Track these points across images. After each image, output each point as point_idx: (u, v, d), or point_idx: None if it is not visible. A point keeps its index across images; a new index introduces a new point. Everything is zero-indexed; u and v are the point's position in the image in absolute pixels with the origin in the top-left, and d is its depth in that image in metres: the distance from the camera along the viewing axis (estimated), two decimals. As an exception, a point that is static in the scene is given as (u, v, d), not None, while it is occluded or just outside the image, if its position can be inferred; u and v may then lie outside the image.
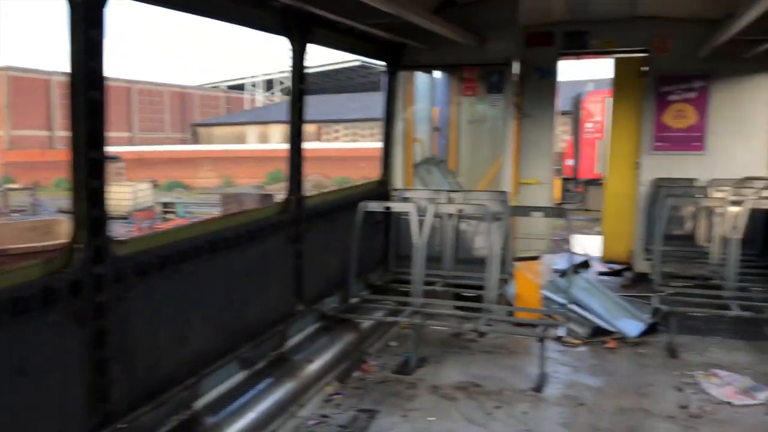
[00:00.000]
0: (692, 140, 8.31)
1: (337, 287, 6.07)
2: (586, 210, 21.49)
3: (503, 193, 6.71)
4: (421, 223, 6.10)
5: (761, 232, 7.84)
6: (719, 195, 7.58)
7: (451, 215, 6.75)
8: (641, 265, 8.53)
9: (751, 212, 6.70)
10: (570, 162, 23.26)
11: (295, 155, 5.06)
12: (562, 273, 7.84)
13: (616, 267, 9.22)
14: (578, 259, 9.56)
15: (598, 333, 6.38)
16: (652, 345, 6.20)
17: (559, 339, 5.87)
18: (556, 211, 5.69)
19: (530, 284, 6.66)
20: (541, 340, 5.34)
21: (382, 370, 5.70)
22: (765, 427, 4.56)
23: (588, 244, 12.05)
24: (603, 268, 9.36)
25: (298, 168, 5.10)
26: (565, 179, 23.25)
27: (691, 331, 6.55)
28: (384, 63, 7.05)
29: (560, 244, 10.24)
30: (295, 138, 5.05)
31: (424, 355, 5.94)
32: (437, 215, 6.71)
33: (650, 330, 6.41)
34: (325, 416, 4.84)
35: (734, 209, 6.43)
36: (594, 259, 9.69)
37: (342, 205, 6.11)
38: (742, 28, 5.59)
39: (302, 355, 5.16)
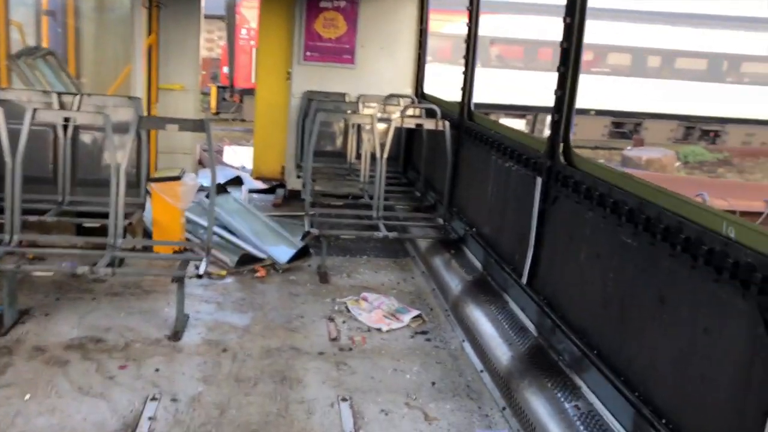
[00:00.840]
0: (343, 52, 8.04)
1: None
2: (243, 120, 20.89)
3: (135, 100, 5.50)
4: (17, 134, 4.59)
5: (403, 150, 8.09)
6: (368, 111, 7.49)
7: (65, 125, 5.32)
8: (294, 182, 8.18)
9: (395, 130, 6.68)
10: (226, 69, 22.24)
11: None
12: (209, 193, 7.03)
13: (270, 184, 8.76)
14: (230, 175, 8.87)
15: (247, 261, 5.77)
16: (304, 270, 5.84)
17: (200, 277, 5.06)
18: (193, 124, 4.75)
19: (170, 209, 5.68)
20: (178, 279, 4.47)
21: (-40, 334, 4.24)
22: (410, 350, 4.49)
23: (244, 157, 11.41)
24: (256, 185, 8.81)
25: None
26: (221, 87, 22.18)
27: (341, 252, 6.39)
28: None
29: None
30: None
31: (28, 307, 4.62)
32: (44, 125, 5.23)
33: (302, 254, 6.04)
34: None
35: (381, 127, 6.27)
36: (247, 174, 9.09)
37: None
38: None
39: None
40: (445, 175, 6.09)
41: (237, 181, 8.64)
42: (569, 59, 3.91)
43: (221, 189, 7.22)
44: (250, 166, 9.26)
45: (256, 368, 4.09)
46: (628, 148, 19.38)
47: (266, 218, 6.63)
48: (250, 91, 19.08)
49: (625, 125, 23.70)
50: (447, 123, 6.03)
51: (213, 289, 5.29)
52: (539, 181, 4.13)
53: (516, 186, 4.60)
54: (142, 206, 5.60)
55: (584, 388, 3.38)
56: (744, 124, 24.19)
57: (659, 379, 2.91)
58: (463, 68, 6.10)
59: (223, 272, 5.58)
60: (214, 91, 22.20)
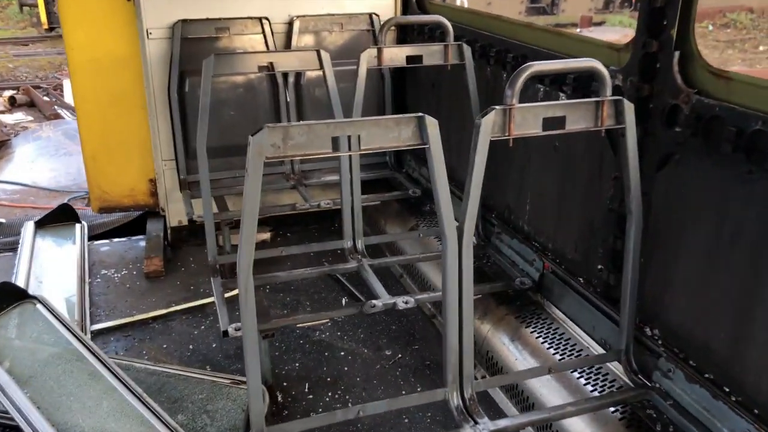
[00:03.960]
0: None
1: None
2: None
3: None
4: None
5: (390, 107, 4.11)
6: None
7: None
8: (181, 211, 4.00)
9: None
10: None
11: None
12: None
13: (130, 215, 4.48)
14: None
15: None
16: None
17: None
18: None
19: None
20: None
21: None
22: None
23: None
24: (102, 220, 4.53)
25: None
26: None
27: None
28: None
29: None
30: None
31: None
32: None
33: None
34: None
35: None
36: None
37: None
38: None
39: None
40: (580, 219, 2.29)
41: (65, 215, 4.31)
42: None
43: (17, 295, 2.96)
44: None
45: None
46: (577, 30, 15.92)
47: (139, 404, 2.50)
48: None
49: (542, -2, 20.33)
50: (629, 106, 2.09)
51: None
52: None
53: None
54: None
55: None
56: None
57: None
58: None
59: None
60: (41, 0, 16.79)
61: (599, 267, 2.54)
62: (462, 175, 2.06)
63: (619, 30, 15.36)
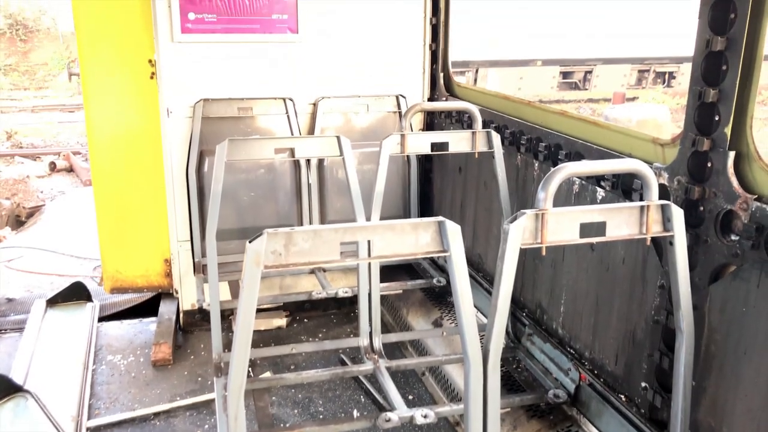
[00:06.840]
0: (272, 9, 3.64)
1: None
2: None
3: None
4: None
5: (417, 198, 3.94)
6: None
7: None
8: (193, 295, 3.84)
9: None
10: None
11: None
12: None
13: (142, 294, 4.32)
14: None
15: None
16: None
17: None
18: None
19: None
20: None
21: None
22: None
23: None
24: (115, 300, 4.37)
25: None
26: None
27: None
28: None
29: None
30: None
31: None
32: None
33: None
34: None
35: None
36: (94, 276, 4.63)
37: None
38: None
39: None
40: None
41: (76, 293, 4.16)
42: None
43: (10, 388, 2.77)
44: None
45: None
46: (610, 106, 15.82)
47: None
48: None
49: (575, 74, 20.44)
50: (678, 212, 1.85)
51: None
52: None
53: None
54: None
55: None
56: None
57: None
58: None
59: None
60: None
61: (643, 385, 2.25)
62: (491, 267, 1.83)
63: (652, 108, 15.28)
